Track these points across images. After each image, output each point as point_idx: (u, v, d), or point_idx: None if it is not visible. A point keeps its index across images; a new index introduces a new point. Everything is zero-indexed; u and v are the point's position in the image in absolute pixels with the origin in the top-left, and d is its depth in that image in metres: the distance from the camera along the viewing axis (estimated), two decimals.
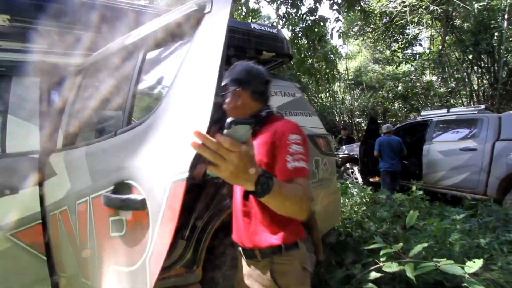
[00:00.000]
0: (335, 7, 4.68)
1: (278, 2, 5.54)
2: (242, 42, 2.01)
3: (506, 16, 7.35)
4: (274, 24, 6.35)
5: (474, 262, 1.36)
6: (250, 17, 6.28)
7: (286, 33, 5.81)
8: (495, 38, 7.63)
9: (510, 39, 7.81)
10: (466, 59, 8.68)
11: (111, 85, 1.25)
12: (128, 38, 1.18)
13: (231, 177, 0.57)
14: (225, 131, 0.56)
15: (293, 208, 0.74)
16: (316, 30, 5.32)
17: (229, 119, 0.56)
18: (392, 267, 1.55)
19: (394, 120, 11.56)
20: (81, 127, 1.39)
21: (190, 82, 0.86)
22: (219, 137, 0.54)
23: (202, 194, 1.67)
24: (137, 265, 0.86)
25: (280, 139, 0.88)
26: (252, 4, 6.91)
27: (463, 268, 1.34)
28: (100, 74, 1.41)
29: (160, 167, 0.83)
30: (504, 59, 7.55)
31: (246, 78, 1.00)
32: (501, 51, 7.47)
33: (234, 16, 5.97)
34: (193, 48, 0.88)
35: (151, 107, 1.00)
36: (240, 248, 1.01)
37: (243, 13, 6.13)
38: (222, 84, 0.99)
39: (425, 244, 1.65)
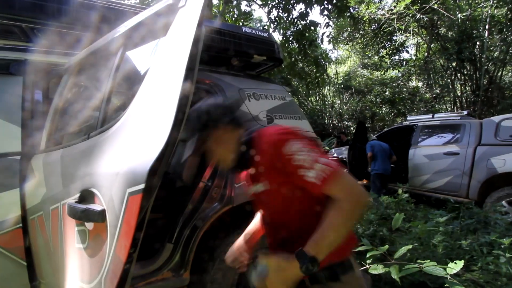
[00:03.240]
0: (326, 12, 4.78)
1: (270, 5, 5.60)
2: (233, 46, 2.01)
3: (487, 27, 7.69)
4: (266, 27, 6.41)
5: (456, 263, 1.40)
6: (242, 20, 6.32)
7: (277, 37, 5.88)
8: (477, 47, 7.97)
9: (491, 48, 8.18)
10: (450, 66, 9.02)
11: (92, 86, 1.21)
12: (107, 37, 1.13)
13: None
14: (253, 274, 0.74)
15: (347, 228, 0.73)
16: (306, 34, 5.41)
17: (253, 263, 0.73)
18: (378, 269, 1.57)
19: (381, 124, 11.85)
20: (63, 128, 1.35)
21: (158, 82, 0.79)
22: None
23: (190, 196, 1.66)
24: (94, 283, 0.80)
25: (278, 159, 0.76)
26: (244, 7, 7.05)
27: (445, 269, 1.38)
28: (82, 74, 1.37)
29: (121, 175, 0.75)
30: (485, 67, 7.89)
31: (214, 114, 0.85)
32: (483, 59, 7.81)
33: (226, 19, 5.98)
34: (163, 45, 0.81)
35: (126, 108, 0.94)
36: None
37: (235, 16, 6.16)
38: (194, 139, 0.83)
39: (410, 246, 1.69)
